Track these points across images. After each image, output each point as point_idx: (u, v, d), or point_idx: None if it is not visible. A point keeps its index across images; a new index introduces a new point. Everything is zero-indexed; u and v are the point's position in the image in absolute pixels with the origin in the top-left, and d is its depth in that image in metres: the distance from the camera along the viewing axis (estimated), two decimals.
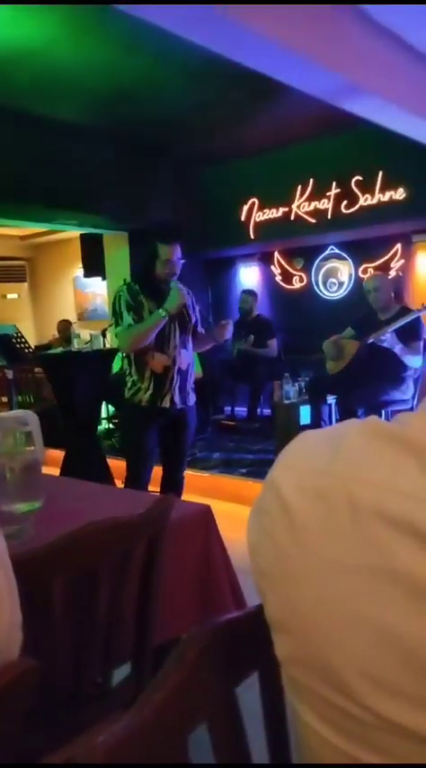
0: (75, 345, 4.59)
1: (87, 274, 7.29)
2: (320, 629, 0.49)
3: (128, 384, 3.08)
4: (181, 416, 3.09)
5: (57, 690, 1.21)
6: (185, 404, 3.09)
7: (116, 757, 0.51)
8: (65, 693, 1.23)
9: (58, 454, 4.36)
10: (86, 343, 4.65)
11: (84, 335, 5.34)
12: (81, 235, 6.96)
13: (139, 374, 3.02)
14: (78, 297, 8.89)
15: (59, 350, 4.95)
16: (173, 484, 3.21)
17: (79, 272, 7.89)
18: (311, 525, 0.50)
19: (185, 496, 3.16)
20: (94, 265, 6.91)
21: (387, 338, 3.87)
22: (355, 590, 0.47)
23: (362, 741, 0.47)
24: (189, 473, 4.66)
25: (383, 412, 4.24)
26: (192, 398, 3.15)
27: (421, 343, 4.05)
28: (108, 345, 4.99)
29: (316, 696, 0.50)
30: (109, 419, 5.91)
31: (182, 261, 3.09)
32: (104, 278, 6.90)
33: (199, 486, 4.25)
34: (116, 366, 5.11)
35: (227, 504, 3.56)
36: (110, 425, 5.95)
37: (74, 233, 7.23)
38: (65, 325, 6.97)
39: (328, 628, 0.48)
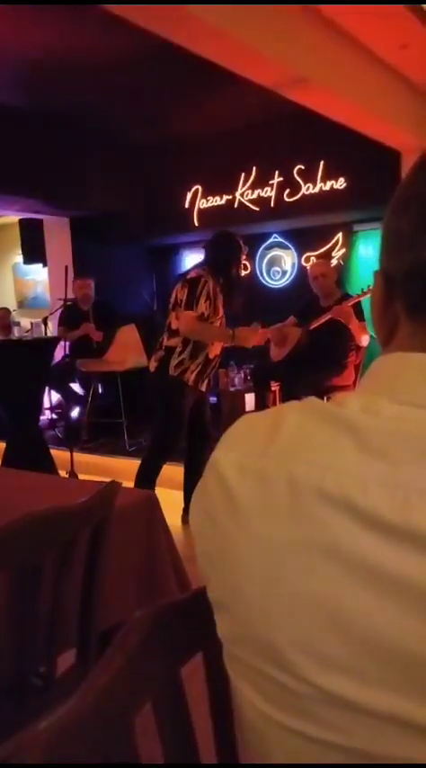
0: (15, 334, 4.48)
1: (27, 261, 7.08)
2: (260, 607, 0.49)
3: (174, 362, 3.25)
4: (205, 398, 3.47)
5: (1, 683, 1.19)
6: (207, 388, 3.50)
7: (59, 745, 0.50)
8: (9, 686, 1.21)
9: (0, 445, 4.26)
10: (27, 331, 4.55)
11: (24, 324, 5.22)
12: (20, 220, 6.76)
13: (193, 356, 3.25)
14: (18, 284, 8.65)
15: None
16: (199, 460, 3.47)
17: (18, 258, 7.66)
18: (251, 506, 0.50)
19: (130, 485, 3.15)
20: (34, 252, 6.72)
21: None
22: (294, 567, 0.47)
23: (303, 714, 0.48)
24: (135, 462, 4.65)
25: (326, 398, 4.33)
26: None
27: (366, 324, 4.15)
28: (49, 333, 4.89)
29: (256, 672, 0.51)
30: (52, 409, 5.80)
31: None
32: (45, 265, 6.74)
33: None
34: (59, 355, 5.02)
35: (174, 492, 3.56)
36: (54, 415, 5.84)
37: (12, 218, 7.02)
38: (3, 314, 6.78)
39: (268, 604, 0.49)
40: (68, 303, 5.09)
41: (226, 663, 0.56)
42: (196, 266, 3.37)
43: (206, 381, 3.37)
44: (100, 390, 5.49)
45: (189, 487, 3.55)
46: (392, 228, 0.56)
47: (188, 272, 3.34)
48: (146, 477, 3.34)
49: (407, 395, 0.49)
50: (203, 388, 3.38)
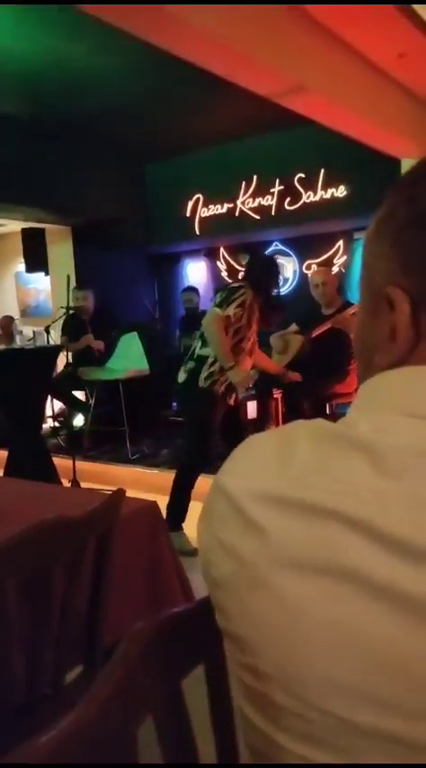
0: (18, 342, 4.49)
1: (29, 270, 7.10)
2: (283, 637, 0.48)
3: (204, 373, 3.26)
4: (234, 409, 3.50)
5: (12, 693, 1.19)
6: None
7: (61, 757, 0.51)
8: (20, 696, 1.21)
9: (2, 454, 4.26)
10: (29, 339, 4.56)
11: (27, 332, 5.23)
12: (22, 229, 6.79)
13: (222, 371, 3.24)
14: (20, 293, 8.67)
15: (1, 347, 4.82)
16: None
17: (21, 267, 7.69)
18: (273, 533, 0.49)
19: (133, 493, 3.15)
20: (37, 260, 6.74)
21: None
22: (318, 595, 0.46)
23: (319, 743, 0.47)
24: (138, 470, 4.65)
25: (328, 405, 4.33)
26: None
27: None
28: (52, 342, 4.90)
29: (269, 701, 0.50)
30: (54, 417, 5.80)
31: None
32: (47, 273, 6.76)
33: (147, 483, 4.24)
34: (62, 363, 5.04)
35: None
36: (56, 423, 5.85)
37: (14, 227, 7.05)
38: (6, 322, 6.80)
39: (292, 634, 0.48)
40: (71, 312, 5.11)
41: (233, 687, 0.56)
42: (236, 281, 3.46)
43: (233, 395, 3.40)
44: (102, 398, 5.49)
45: None
46: (417, 246, 0.54)
47: (229, 283, 3.47)
48: (180, 492, 3.33)
49: (424, 408, 0.49)
50: (231, 402, 3.39)
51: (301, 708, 0.47)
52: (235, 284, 3.31)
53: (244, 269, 3.61)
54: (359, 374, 0.62)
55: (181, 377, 3.36)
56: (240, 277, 3.53)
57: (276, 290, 3.44)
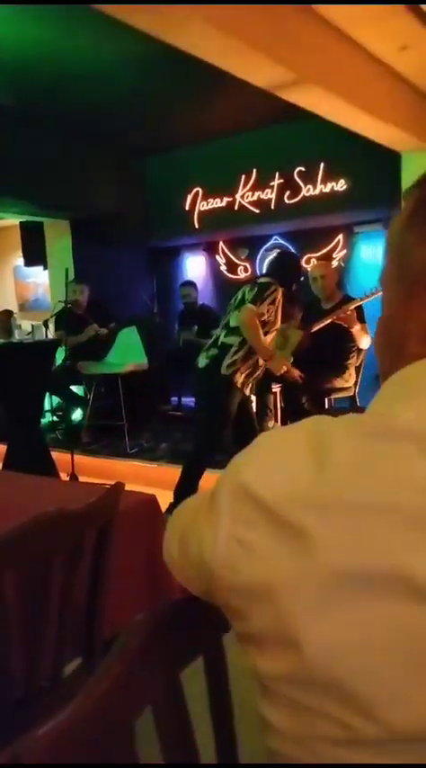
0: (17, 336, 4.48)
1: (28, 264, 7.08)
2: (328, 643, 0.47)
3: (227, 361, 3.30)
4: (248, 397, 3.56)
5: (11, 686, 1.19)
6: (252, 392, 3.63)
7: (59, 749, 0.50)
8: (18, 689, 1.21)
9: (1, 448, 4.26)
10: (28, 333, 4.55)
11: (25, 326, 5.22)
12: (21, 223, 6.76)
13: (246, 358, 3.31)
14: (19, 287, 8.65)
15: (0, 341, 4.81)
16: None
17: (19, 261, 7.67)
18: (316, 537, 0.47)
19: (131, 487, 3.16)
20: (35, 254, 6.72)
21: None
22: (367, 599, 0.45)
23: (356, 748, 0.47)
24: (136, 464, 4.65)
25: (326, 400, 4.33)
26: None
27: (366, 326, 4.16)
28: (50, 336, 4.89)
29: (305, 708, 0.48)
30: (53, 411, 5.80)
31: None
32: (46, 267, 6.74)
33: (145, 477, 4.24)
34: (59, 358, 5.03)
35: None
36: (55, 418, 5.84)
37: (13, 221, 7.02)
38: (5, 316, 6.78)
39: (338, 639, 0.46)
40: (68, 306, 5.09)
41: (259, 695, 0.53)
42: (263, 275, 3.56)
43: (250, 385, 3.48)
44: (100, 393, 5.49)
45: None
46: None
47: (258, 277, 3.57)
48: (189, 478, 3.36)
49: None
50: (247, 392, 3.47)
51: (345, 714, 0.46)
52: (265, 280, 3.38)
53: (266, 264, 3.74)
54: (384, 366, 0.61)
55: (203, 362, 3.40)
56: (264, 272, 3.66)
57: (296, 286, 3.54)
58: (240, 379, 3.33)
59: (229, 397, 3.32)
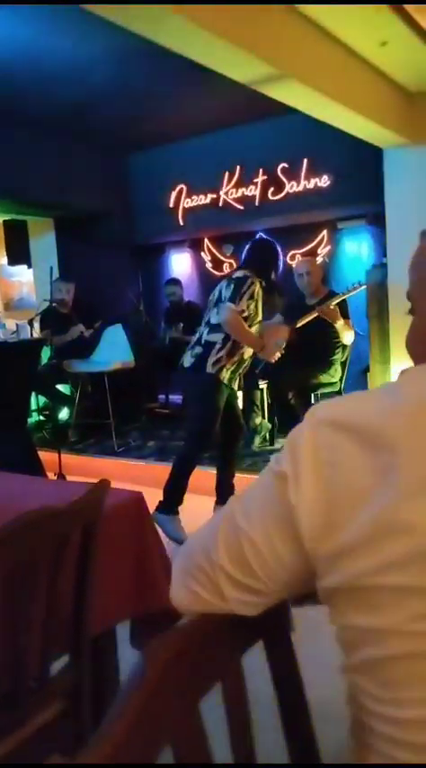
0: (1, 336, 4.45)
1: (12, 262, 7.03)
2: None
3: (212, 359, 3.28)
4: (234, 395, 3.56)
5: None
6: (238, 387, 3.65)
7: None
8: (4, 687, 1.21)
9: None
10: (13, 333, 4.52)
11: (10, 325, 5.18)
12: (4, 221, 6.71)
13: (230, 354, 3.29)
14: (3, 286, 8.58)
15: None
16: (233, 452, 3.58)
17: (3, 260, 7.61)
18: (405, 437, 0.60)
19: (119, 485, 3.15)
20: (19, 253, 6.66)
21: None
22: None
23: None
24: (123, 462, 4.64)
25: (313, 395, 4.35)
26: None
27: (350, 321, 4.19)
28: (35, 335, 4.86)
29: (406, 592, 0.59)
30: (39, 411, 5.77)
31: None
32: (30, 266, 6.69)
33: (133, 475, 4.24)
34: (45, 357, 5.01)
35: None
36: (41, 417, 5.82)
37: None
38: None
39: None
40: (53, 305, 5.07)
41: (359, 606, 0.63)
42: (239, 268, 3.46)
43: (237, 380, 3.48)
44: (87, 391, 5.47)
45: (224, 479, 3.54)
46: None
47: (233, 271, 3.49)
48: (179, 476, 3.33)
49: None
50: (234, 387, 3.47)
51: None
52: (241, 274, 3.32)
53: (243, 255, 3.60)
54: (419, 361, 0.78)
55: (188, 361, 3.37)
56: (241, 263, 3.54)
57: (275, 275, 3.47)
58: (226, 375, 3.32)
59: (217, 395, 3.31)
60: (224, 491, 3.53)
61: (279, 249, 3.58)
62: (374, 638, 0.62)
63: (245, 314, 3.26)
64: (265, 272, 3.38)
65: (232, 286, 3.27)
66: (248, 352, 3.39)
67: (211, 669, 0.67)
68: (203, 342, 3.34)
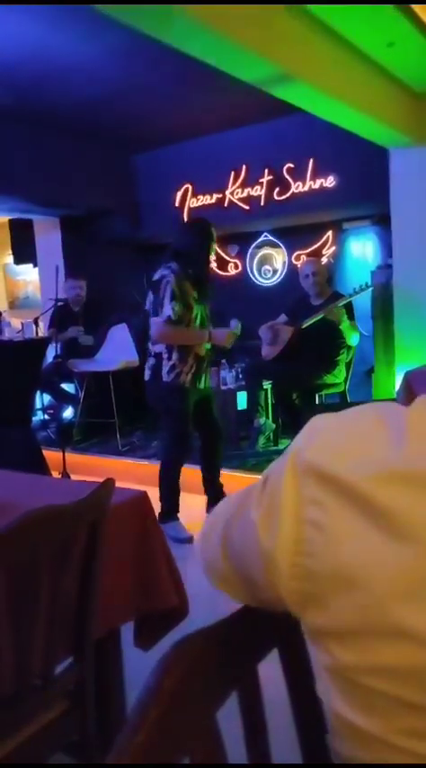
0: (7, 335, 4.46)
1: (17, 261, 7.06)
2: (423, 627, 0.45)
3: (166, 368, 3.24)
4: (209, 394, 3.46)
5: (1, 684, 1.19)
6: (208, 384, 3.47)
7: None
8: (8, 687, 1.21)
9: None
10: (18, 332, 4.53)
11: (15, 324, 5.20)
12: (10, 220, 6.73)
13: (182, 358, 3.23)
14: (9, 284, 8.61)
15: None
16: (218, 458, 3.53)
17: (9, 259, 7.63)
18: (405, 514, 0.46)
19: (124, 484, 3.17)
20: (25, 252, 6.70)
21: None
22: None
23: None
24: (127, 461, 4.64)
25: (317, 396, 4.35)
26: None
27: (355, 323, 4.18)
28: (40, 334, 4.88)
29: (398, 702, 0.47)
30: (44, 409, 5.78)
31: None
32: (36, 265, 6.71)
33: (137, 474, 4.24)
34: (50, 355, 5.01)
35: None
36: (46, 416, 5.83)
37: (2, 218, 6.99)
38: None
39: None
40: (60, 303, 5.08)
41: (345, 696, 0.52)
42: (162, 262, 3.27)
43: (203, 378, 3.36)
44: (92, 390, 5.48)
45: (210, 480, 3.53)
46: None
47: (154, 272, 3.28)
48: (168, 485, 3.35)
49: None
50: (202, 386, 3.36)
51: None
52: (157, 276, 3.19)
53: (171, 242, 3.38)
54: None
55: (147, 375, 3.36)
56: (163, 258, 3.32)
57: (204, 258, 3.25)
58: (186, 379, 3.25)
59: (180, 401, 3.27)
60: (212, 492, 3.53)
61: (209, 230, 3.24)
62: (360, 737, 0.51)
63: (175, 317, 3.11)
64: (192, 260, 3.20)
65: (151, 295, 3.21)
66: (202, 347, 3.30)
67: (227, 678, 0.65)
68: (153, 353, 3.32)
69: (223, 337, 3.27)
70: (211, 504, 3.51)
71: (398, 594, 0.46)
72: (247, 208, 5.84)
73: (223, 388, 4.77)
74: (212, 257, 3.33)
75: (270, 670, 0.76)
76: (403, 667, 0.47)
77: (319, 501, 0.50)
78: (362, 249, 5.84)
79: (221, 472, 3.58)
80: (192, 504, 3.55)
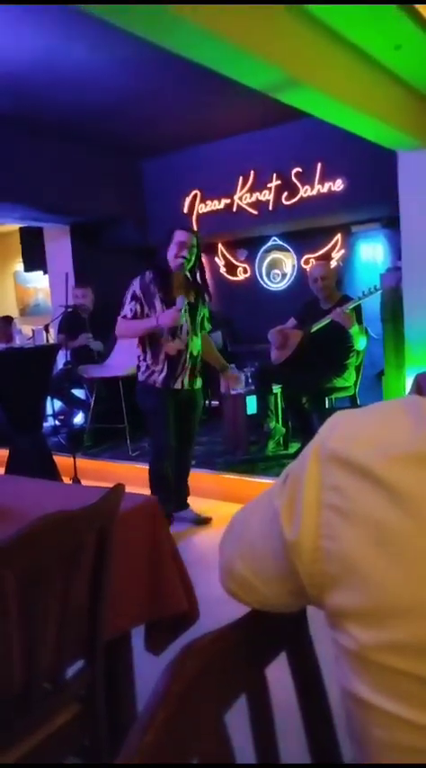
0: (17, 342, 4.50)
1: (28, 269, 7.12)
2: None
3: (142, 368, 3.36)
4: (190, 398, 3.41)
5: (12, 688, 1.19)
6: (192, 387, 3.39)
7: None
8: (20, 691, 1.22)
9: (3, 453, 4.27)
10: (29, 338, 4.56)
11: (26, 331, 5.24)
12: (20, 228, 6.78)
13: (154, 358, 3.30)
14: (19, 292, 8.68)
15: (1, 347, 4.82)
16: (183, 462, 3.51)
17: (19, 266, 7.69)
18: (408, 490, 0.49)
19: (134, 489, 3.17)
20: (35, 259, 6.75)
21: None
22: None
23: None
24: (138, 467, 4.65)
25: (327, 399, 4.34)
26: (199, 382, 3.47)
27: (363, 327, 4.17)
28: (51, 341, 4.91)
29: (419, 680, 0.49)
30: (54, 415, 5.81)
31: (194, 251, 3.34)
32: (46, 272, 6.76)
33: (147, 480, 4.24)
34: (60, 361, 5.04)
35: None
36: (57, 422, 5.85)
37: (12, 226, 7.05)
38: (5, 322, 6.80)
39: None
40: (69, 310, 5.11)
41: (360, 677, 0.53)
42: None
43: (180, 379, 3.32)
44: (102, 396, 5.50)
45: (178, 485, 3.54)
46: None
47: None
48: (156, 484, 3.38)
49: None
50: (179, 386, 3.33)
51: None
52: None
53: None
54: None
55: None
56: None
57: (164, 257, 3.34)
58: (158, 379, 3.30)
59: (153, 401, 3.33)
60: (179, 495, 3.54)
61: (170, 229, 3.38)
62: (377, 715, 0.53)
63: (130, 315, 3.32)
64: (157, 260, 3.39)
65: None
66: (173, 346, 3.26)
67: (236, 681, 0.66)
68: (138, 356, 3.44)
69: (168, 318, 3.20)
70: (176, 508, 3.53)
71: (420, 566, 0.49)
72: (256, 213, 5.85)
73: (232, 392, 4.77)
74: (174, 254, 3.30)
75: (278, 673, 0.77)
76: (416, 644, 0.49)
77: (339, 486, 0.53)
78: (372, 252, 5.83)
79: (188, 477, 3.62)
80: (196, 507, 3.58)
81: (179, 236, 3.31)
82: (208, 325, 3.54)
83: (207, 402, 5.94)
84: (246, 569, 0.66)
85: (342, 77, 3.29)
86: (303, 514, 0.55)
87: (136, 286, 3.35)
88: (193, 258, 3.35)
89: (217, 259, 6.71)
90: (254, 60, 2.71)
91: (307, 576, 0.57)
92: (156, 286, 3.29)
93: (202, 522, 3.50)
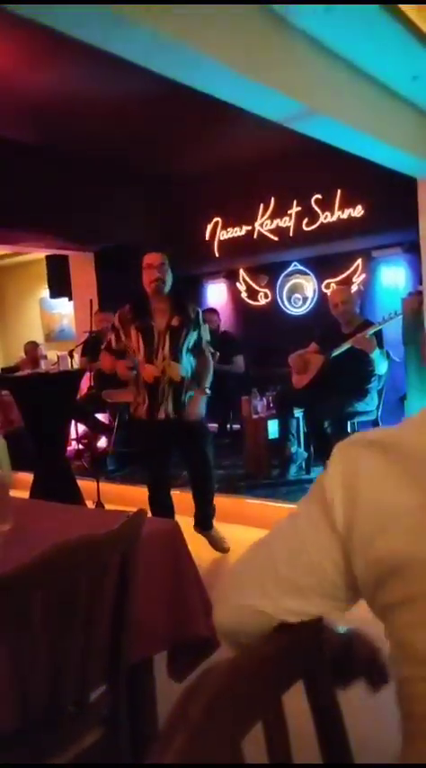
0: (43, 367, 4.58)
1: (53, 295, 7.26)
2: None
3: (132, 402, 3.37)
4: (186, 428, 3.25)
5: (36, 710, 1.21)
6: (182, 416, 3.21)
7: None
8: (44, 713, 1.24)
9: (28, 477, 4.32)
10: (54, 364, 4.65)
11: (51, 356, 5.34)
12: (47, 256, 6.95)
13: (137, 390, 3.27)
14: (45, 318, 8.85)
15: (27, 372, 4.92)
16: (200, 489, 3.45)
17: (45, 293, 7.86)
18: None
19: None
20: (60, 286, 6.89)
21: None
22: None
23: None
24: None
25: (349, 423, 4.33)
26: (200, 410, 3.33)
27: (385, 351, 4.17)
28: (75, 366, 4.99)
29: None
30: (78, 440, 5.87)
31: (166, 270, 3.33)
32: (71, 299, 6.89)
33: None
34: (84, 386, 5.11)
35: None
36: (80, 446, 5.91)
37: (39, 254, 7.22)
38: (32, 347, 6.93)
39: None
40: (92, 335, 5.20)
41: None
42: None
43: (163, 408, 3.19)
44: (125, 420, 5.55)
45: (196, 508, 3.50)
46: None
47: None
48: (154, 514, 3.35)
49: None
50: (162, 416, 3.19)
51: None
52: None
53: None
54: None
55: None
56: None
57: (144, 289, 3.31)
58: (142, 411, 3.25)
59: (139, 434, 3.41)
60: (197, 516, 3.48)
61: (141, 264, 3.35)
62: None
63: (113, 346, 3.36)
64: (136, 293, 3.41)
65: None
66: (148, 371, 3.17)
67: (253, 707, 0.66)
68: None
69: (146, 371, 3.18)
70: (197, 527, 3.47)
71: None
72: (276, 239, 5.92)
73: (254, 416, 4.78)
74: (148, 279, 3.30)
75: (296, 700, 0.78)
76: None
77: (357, 458, 0.68)
78: (393, 277, 5.84)
79: (212, 506, 3.51)
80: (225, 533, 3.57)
81: (146, 259, 3.31)
82: (205, 349, 3.43)
83: (228, 426, 5.96)
84: (288, 576, 0.74)
85: (360, 108, 3.35)
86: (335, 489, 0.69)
87: (115, 317, 3.41)
88: (168, 278, 3.30)
89: (238, 284, 6.78)
90: (273, 94, 2.78)
91: (365, 564, 0.67)
92: (132, 314, 3.30)
93: (220, 550, 3.45)
